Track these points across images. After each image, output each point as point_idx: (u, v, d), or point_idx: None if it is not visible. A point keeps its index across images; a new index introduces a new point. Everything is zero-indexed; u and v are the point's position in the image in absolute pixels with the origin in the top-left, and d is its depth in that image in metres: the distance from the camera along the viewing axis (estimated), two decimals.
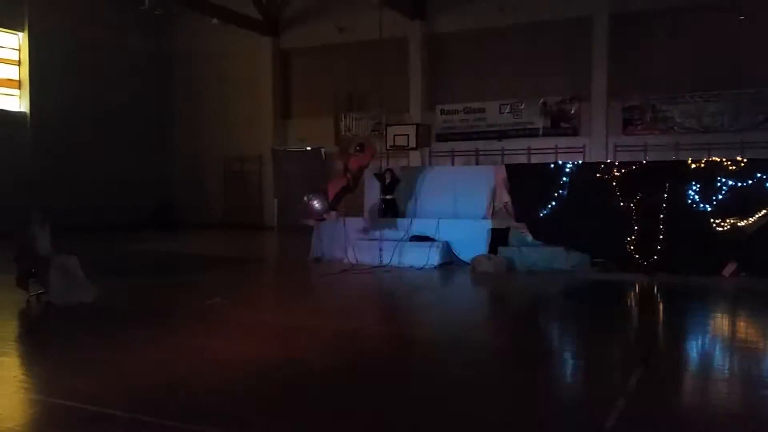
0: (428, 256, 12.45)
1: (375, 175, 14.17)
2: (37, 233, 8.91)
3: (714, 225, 11.16)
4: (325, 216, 12.94)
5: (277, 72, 23.67)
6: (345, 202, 13.64)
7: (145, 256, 15.56)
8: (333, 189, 13.05)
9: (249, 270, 13.66)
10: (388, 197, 13.91)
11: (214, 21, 22.19)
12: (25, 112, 21.49)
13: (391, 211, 13.88)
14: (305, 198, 13.05)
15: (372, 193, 14.46)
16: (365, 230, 13.52)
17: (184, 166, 25.45)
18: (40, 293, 8.88)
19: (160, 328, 7.50)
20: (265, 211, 23.78)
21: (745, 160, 11.58)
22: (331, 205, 12.94)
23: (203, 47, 24.40)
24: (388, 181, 13.93)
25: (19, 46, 21.57)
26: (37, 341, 7.40)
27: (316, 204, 12.76)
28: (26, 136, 21.25)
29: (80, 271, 8.88)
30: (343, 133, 22.13)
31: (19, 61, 21.61)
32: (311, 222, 13.40)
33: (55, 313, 8.42)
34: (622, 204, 11.75)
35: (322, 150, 22.18)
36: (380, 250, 12.75)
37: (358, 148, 13.85)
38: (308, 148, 22.42)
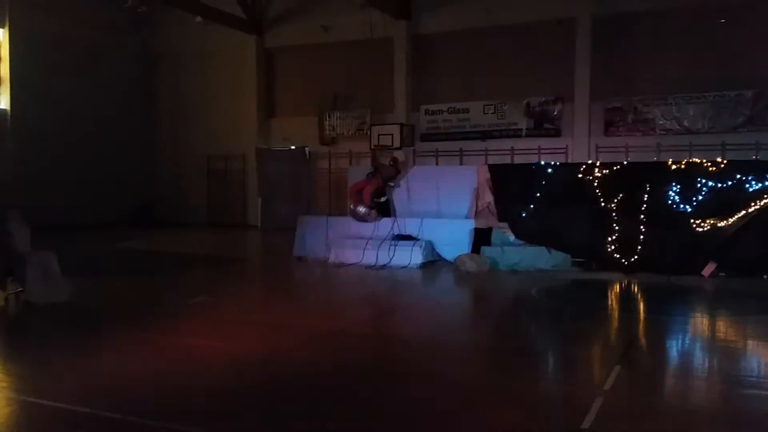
0: (411, 256, 12.44)
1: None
2: (15, 231, 8.80)
3: (694, 225, 11.24)
4: (367, 218, 13.31)
5: (261, 71, 23.57)
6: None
7: (127, 255, 15.44)
8: (367, 193, 13.29)
9: (232, 269, 13.60)
10: (381, 200, 13.67)
11: (198, 19, 22.08)
12: (5, 109, 21.22)
13: (383, 213, 13.62)
14: (351, 207, 13.68)
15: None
16: (351, 225, 13.50)
17: (167, 165, 25.30)
18: (19, 291, 8.77)
19: (142, 327, 7.44)
20: (249, 210, 23.69)
21: (725, 162, 11.69)
22: (370, 206, 13.33)
23: (186, 45, 24.24)
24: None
25: None
26: (16, 340, 7.32)
27: (360, 209, 13.33)
28: (6, 133, 21.01)
29: (58, 268, 8.77)
30: (326, 133, 22.12)
31: (0, 58, 21.35)
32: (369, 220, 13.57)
33: (33, 311, 8.32)
34: (603, 204, 11.81)
35: (306, 149, 22.21)
36: (363, 249, 12.75)
37: (391, 162, 14.03)
38: (292, 147, 22.41)
